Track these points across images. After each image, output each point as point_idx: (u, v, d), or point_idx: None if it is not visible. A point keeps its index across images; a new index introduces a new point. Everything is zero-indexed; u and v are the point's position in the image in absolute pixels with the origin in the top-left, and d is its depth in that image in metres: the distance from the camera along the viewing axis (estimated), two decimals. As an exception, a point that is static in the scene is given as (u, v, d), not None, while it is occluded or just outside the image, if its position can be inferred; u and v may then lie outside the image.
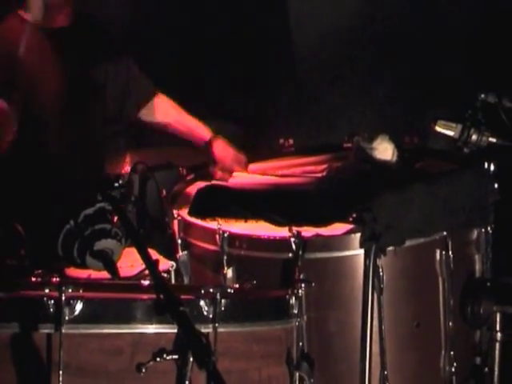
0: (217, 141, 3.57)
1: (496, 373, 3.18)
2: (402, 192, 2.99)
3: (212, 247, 3.11)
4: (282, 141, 3.66)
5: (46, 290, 2.44)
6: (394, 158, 3.25)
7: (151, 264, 2.27)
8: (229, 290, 2.55)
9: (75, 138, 3.28)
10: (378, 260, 3.00)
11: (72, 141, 3.26)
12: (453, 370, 3.14)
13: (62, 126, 3.25)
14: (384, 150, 3.24)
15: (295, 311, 2.68)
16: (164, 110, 3.61)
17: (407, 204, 2.98)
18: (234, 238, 3.07)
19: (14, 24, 3.25)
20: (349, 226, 3.05)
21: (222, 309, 2.51)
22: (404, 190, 3.01)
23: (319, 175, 3.35)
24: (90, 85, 3.33)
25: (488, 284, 3.19)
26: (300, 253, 2.97)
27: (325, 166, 3.38)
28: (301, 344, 2.75)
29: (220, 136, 3.60)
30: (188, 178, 3.48)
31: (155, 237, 4.03)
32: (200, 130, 3.59)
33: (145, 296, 2.45)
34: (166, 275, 3.11)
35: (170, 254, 3.25)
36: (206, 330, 2.49)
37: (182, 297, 2.44)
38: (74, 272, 2.92)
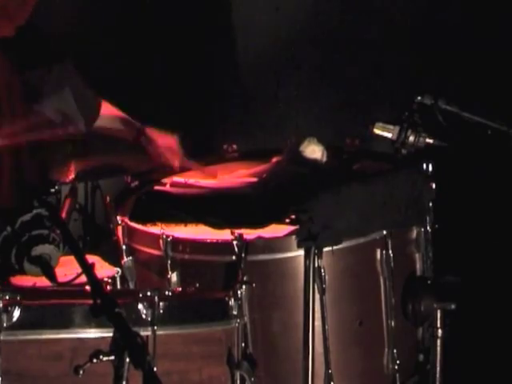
0: (143, 133, 3.48)
1: (438, 369, 3.24)
2: (337, 192, 3.05)
3: (156, 252, 3.14)
4: (225, 146, 3.71)
5: (-16, 298, 2.46)
6: (324, 159, 3.31)
7: (87, 268, 2.30)
8: (167, 293, 2.59)
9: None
10: (319, 260, 3.06)
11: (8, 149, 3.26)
12: (396, 367, 3.19)
13: None
14: (312, 152, 3.30)
15: (235, 312, 2.72)
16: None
17: (343, 204, 3.04)
18: (177, 243, 3.10)
19: None
20: (290, 228, 3.11)
21: (161, 311, 2.55)
22: (340, 190, 3.06)
23: (256, 178, 3.40)
24: (27, 93, 3.32)
25: (428, 282, 3.25)
26: (242, 255, 3.01)
27: (261, 169, 3.43)
28: (243, 344, 2.81)
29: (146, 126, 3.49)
30: (132, 184, 3.52)
31: (101, 243, 4.07)
32: (128, 127, 3.52)
33: (83, 301, 2.48)
34: (111, 281, 3.14)
35: (115, 261, 3.28)
36: (145, 332, 2.53)
37: (121, 301, 2.47)
38: (19, 280, 2.95)
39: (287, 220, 3.05)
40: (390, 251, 3.18)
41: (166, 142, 3.49)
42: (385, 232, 3.17)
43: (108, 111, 3.56)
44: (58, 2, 4.34)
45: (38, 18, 3.29)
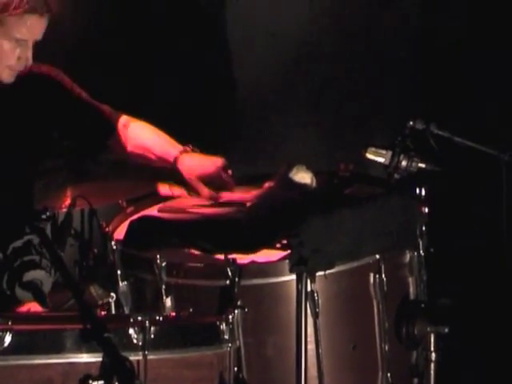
0: (182, 157, 3.44)
1: (432, 392, 3.25)
2: (328, 216, 3.06)
3: (150, 277, 3.17)
4: (220, 172, 3.73)
5: (-25, 324, 2.49)
6: (314, 184, 3.33)
7: (77, 293, 2.33)
8: (158, 318, 2.61)
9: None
10: (312, 284, 3.08)
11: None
12: (390, 391, 3.22)
13: None
14: (301, 179, 3.33)
15: (226, 337, 2.74)
16: (134, 137, 3.54)
17: (334, 228, 3.05)
18: (171, 267, 3.12)
19: None
20: (284, 253, 3.13)
21: (152, 336, 2.57)
22: (331, 214, 3.07)
23: (247, 203, 3.43)
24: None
25: (422, 305, 3.26)
26: (236, 280, 3.04)
27: (252, 195, 3.46)
28: (235, 368, 2.82)
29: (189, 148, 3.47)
30: (128, 210, 3.55)
31: (97, 269, 4.09)
32: (167, 149, 3.47)
33: (74, 326, 2.50)
34: (105, 307, 3.16)
35: (111, 286, 3.30)
36: (136, 357, 2.54)
37: (113, 325, 2.50)
38: (26, 308, 2.96)
39: (278, 245, 3.08)
40: (384, 275, 3.19)
41: (206, 168, 3.44)
42: (378, 256, 3.18)
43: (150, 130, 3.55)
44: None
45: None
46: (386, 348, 3.20)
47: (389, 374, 3.20)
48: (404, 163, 3.28)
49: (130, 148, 3.53)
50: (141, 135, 3.53)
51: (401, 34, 4.55)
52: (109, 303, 3.21)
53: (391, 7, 4.54)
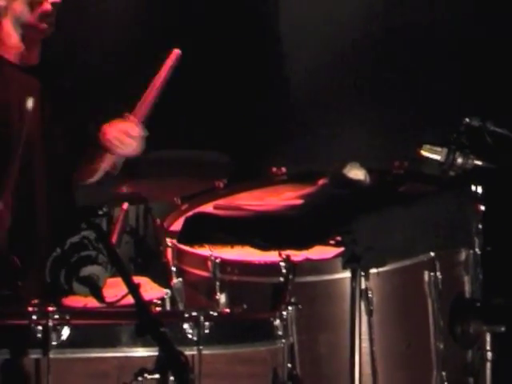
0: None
1: (488, 392, 3.22)
2: (382, 214, 3.06)
3: (205, 273, 3.18)
4: (274, 169, 3.74)
5: (34, 317, 2.53)
6: (367, 181, 3.32)
7: (133, 288, 2.35)
8: (212, 313, 2.62)
9: (52, 175, 3.33)
10: (366, 282, 3.07)
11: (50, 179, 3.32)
12: (445, 390, 3.19)
13: (46, 164, 3.31)
14: (355, 176, 3.32)
15: (280, 333, 2.75)
16: None
17: (387, 225, 3.05)
18: (225, 264, 3.14)
19: None
20: (338, 250, 3.12)
21: (206, 331, 2.59)
22: (384, 211, 3.07)
23: (302, 200, 3.43)
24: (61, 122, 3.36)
25: (477, 304, 3.23)
26: (290, 277, 3.03)
27: (307, 192, 3.45)
28: (289, 365, 2.82)
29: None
30: (182, 207, 3.57)
31: (151, 265, 4.12)
32: None
33: (129, 320, 2.53)
34: (160, 303, 3.19)
35: (165, 282, 3.33)
36: (191, 352, 2.57)
37: (167, 320, 2.52)
38: (70, 302, 3.01)
39: (331, 242, 3.08)
40: (438, 273, 3.18)
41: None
42: (432, 254, 3.17)
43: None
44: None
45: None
46: (441, 347, 3.18)
47: (444, 373, 3.18)
48: (460, 160, 3.24)
49: None
50: None
51: (454, 28, 4.51)
52: (163, 299, 3.25)
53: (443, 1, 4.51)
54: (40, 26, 3.21)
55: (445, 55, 4.49)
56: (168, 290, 3.28)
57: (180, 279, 3.29)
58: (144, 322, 2.28)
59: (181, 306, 3.27)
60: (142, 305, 2.33)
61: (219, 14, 4.60)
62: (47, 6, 3.20)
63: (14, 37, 3.22)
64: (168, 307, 3.24)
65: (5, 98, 3.19)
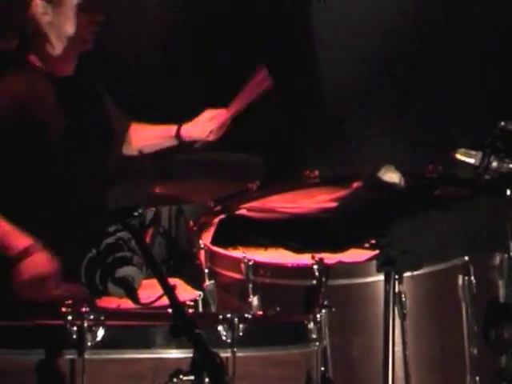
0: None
1: (522, 398, 3.20)
2: (416, 217, 3.05)
3: (237, 276, 3.18)
4: (307, 172, 3.74)
5: (69, 318, 2.54)
6: (402, 184, 3.31)
7: (169, 290, 2.35)
8: (246, 315, 2.62)
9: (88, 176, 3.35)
10: (399, 285, 3.06)
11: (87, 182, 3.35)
12: (479, 395, 3.18)
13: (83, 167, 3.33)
14: (390, 179, 3.31)
15: (314, 336, 2.74)
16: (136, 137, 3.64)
17: (422, 229, 3.04)
18: (258, 267, 3.14)
19: (24, 74, 3.21)
20: (371, 253, 3.12)
21: (240, 334, 2.59)
22: (419, 215, 3.06)
23: (336, 203, 3.42)
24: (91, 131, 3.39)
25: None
26: (323, 280, 3.03)
27: (341, 195, 3.45)
28: (322, 368, 2.82)
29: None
30: (215, 209, 3.57)
31: (183, 267, 4.13)
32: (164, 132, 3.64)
33: (164, 322, 2.53)
34: (193, 304, 3.19)
35: (198, 284, 3.33)
36: (225, 354, 2.56)
37: (201, 322, 2.52)
38: (104, 303, 3.03)
39: (366, 244, 3.07)
40: (473, 277, 3.16)
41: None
42: (466, 258, 3.15)
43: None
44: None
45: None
46: (475, 351, 3.16)
47: (477, 378, 3.16)
48: (495, 164, 3.22)
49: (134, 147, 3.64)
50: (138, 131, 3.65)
51: (491, 32, 4.48)
52: (196, 301, 3.26)
53: (481, 2, 4.48)
54: (84, 39, 3.26)
55: (481, 57, 4.46)
56: (200, 292, 3.29)
57: (212, 281, 3.30)
58: (179, 323, 2.29)
59: (213, 308, 3.27)
60: (177, 306, 2.33)
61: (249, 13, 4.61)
62: (93, 20, 3.25)
63: (57, 49, 3.26)
64: (200, 309, 3.25)
65: (44, 112, 3.23)
